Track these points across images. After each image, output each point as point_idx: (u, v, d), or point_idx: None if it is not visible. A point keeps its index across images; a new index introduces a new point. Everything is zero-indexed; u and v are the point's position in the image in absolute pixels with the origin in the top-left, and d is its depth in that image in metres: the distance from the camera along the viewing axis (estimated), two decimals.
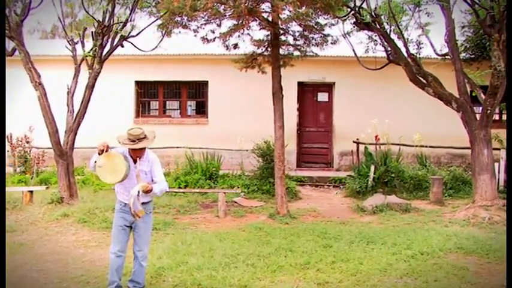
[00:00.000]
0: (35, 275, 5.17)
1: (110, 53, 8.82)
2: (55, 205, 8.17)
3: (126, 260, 4.56)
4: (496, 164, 9.10)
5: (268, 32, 8.24)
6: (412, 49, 9.20)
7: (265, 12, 7.65)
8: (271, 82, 8.21)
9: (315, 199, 9.87)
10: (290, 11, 7.25)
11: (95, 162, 4.23)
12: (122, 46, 9.07)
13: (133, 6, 8.63)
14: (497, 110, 10.31)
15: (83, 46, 8.84)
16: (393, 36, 9.05)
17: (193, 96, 13.24)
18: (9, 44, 8.41)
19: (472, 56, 11.42)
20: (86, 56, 8.57)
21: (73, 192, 8.53)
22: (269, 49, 8.40)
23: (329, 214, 8.33)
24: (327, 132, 12.92)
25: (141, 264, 4.51)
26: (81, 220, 7.36)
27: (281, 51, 8.48)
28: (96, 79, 8.72)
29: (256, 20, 7.68)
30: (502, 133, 9.73)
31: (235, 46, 8.70)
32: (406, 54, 8.79)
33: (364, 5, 8.83)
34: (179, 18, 7.58)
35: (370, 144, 10.73)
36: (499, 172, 9.47)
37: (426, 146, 10.90)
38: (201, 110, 13.20)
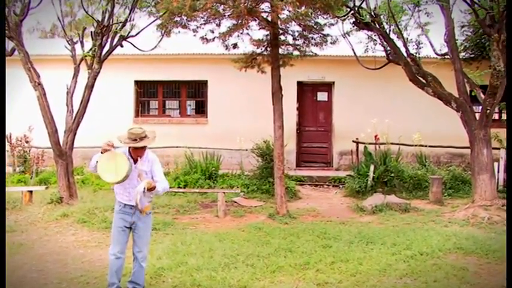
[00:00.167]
0: (34, 275, 5.17)
1: (109, 52, 8.82)
2: (54, 205, 8.16)
3: (125, 260, 4.56)
4: (496, 164, 9.10)
5: (268, 32, 8.23)
6: (412, 49, 9.21)
7: (265, 12, 7.66)
8: (270, 82, 8.22)
9: (315, 199, 9.87)
10: (289, 11, 7.25)
11: (97, 162, 4.22)
12: (122, 46, 9.06)
13: (132, 6, 8.64)
14: (496, 110, 10.32)
15: (82, 46, 8.83)
16: (393, 36, 9.06)
17: (192, 95, 13.23)
18: (9, 44, 8.41)
19: (472, 56, 11.43)
20: (86, 56, 8.56)
21: (72, 192, 8.53)
22: (268, 49, 8.39)
23: (328, 214, 8.34)
24: (327, 131, 12.92)
25: (141, 265, 4.50)
26: (80, 220, 7.35)
27: (280, 51, 8.48)
28: (95, 79, 8.72)
29: (255, 20, 7.68)
30: (502, 133, 9.72)
31: (235, 46, 8.69)
32: (405, 54, 8.79)
33: (364, 5, 8.85)
34: (178, 18, 7.58)
35: (370, 143, 10.74)
36: (498, 172, 9.45)
37: (426, 146, 10.92)
38: (201, 109, 13.19)
